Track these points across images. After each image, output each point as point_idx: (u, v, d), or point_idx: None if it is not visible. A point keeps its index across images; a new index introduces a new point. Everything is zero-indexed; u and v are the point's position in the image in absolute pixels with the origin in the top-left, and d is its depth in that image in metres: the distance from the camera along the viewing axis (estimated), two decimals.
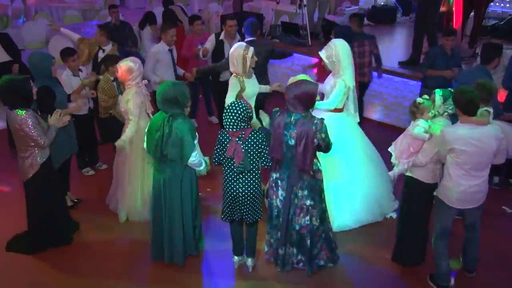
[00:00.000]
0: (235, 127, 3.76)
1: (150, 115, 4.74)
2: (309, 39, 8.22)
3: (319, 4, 8.78)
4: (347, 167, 4.84)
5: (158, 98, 3.92)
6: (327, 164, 4.39)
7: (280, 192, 3.94)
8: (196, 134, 4.03)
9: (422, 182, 4.07)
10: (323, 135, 3.71)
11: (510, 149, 3.87)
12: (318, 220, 4.00)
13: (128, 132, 4.65)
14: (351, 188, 4.83)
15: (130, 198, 4.91)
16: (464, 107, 3.66)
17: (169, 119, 3.88)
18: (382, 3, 11.27)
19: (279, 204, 3.98)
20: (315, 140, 3.70)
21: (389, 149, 4.27)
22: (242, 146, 3.77)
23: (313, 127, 3.67)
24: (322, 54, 4.75)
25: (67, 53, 5.36)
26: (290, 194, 3.88)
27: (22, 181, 4.34)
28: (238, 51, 4.66)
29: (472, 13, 8.04)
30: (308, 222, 3.96)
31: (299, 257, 4.14)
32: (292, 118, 3.73)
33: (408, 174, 4.15)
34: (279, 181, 3.93)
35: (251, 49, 4.68)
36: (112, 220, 5.04)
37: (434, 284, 4.15)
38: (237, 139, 3.77)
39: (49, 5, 12.29)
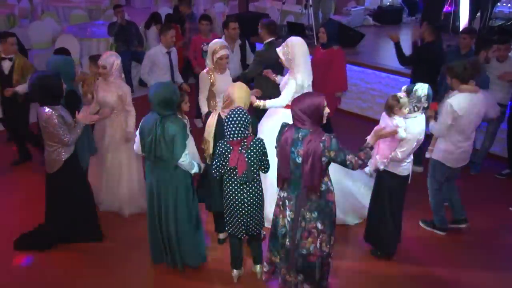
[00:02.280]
0: (237, 135, 3.63)
1: None
2: (315, 39, 8.20)
3: (321, 4, 8.79)
4: None
5: (155, 100, 3.81)
6: None
7: (287, 212, 3.62)
8: (189, 134, 3.98)
9: (399, 175, 4.18)
10: (332, 154, 3.36)
11: (490, 111, 4.65)
12: (328, 246, 3.63)
13: (130, 121, 4.94)
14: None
15: (130, 191, 5.09)
16: (460, 76, 4.32)
17: (162, 121, 3.80)
18: (388, 3, 11.22)
19: (286, 224, 3.66)
20: (324, 159, 3.39)
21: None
22: (245, 155, 3.66)
23: (321, 145, 3.35)
24: (279, 51, 4.73)
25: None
26: (298, 216, 3.57)
27: (46, 173, 4.39)
28: (212, 46, 4.85)
29: (479, 14, 8.03)
30: (318, 248, 3.60)
31: (306, 286, 3.74)
32: (300, 134, 3.43)
33: (385, 169, 4.16)
34: (287, 201, 3.61)
35: (223, 51, 4.82)
36: (115, 221, 5.04)
37: (433, 228, 4.89)
38: (240, 148, 3.66)
39: (55, 4, 12.33)
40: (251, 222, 3.87)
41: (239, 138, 3.64)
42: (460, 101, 4.30)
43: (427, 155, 4.70)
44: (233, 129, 3.62)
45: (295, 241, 3.61)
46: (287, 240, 3.67)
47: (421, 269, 4.42)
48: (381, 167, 4.15)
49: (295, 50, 4.63)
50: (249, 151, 3.66)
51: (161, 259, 4.28)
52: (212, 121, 4.08)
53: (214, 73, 4.92)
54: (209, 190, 4.33)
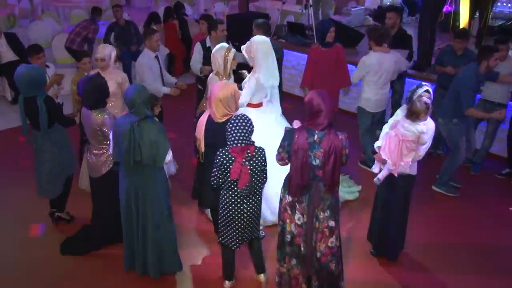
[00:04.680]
0: (240, 142, 3.54)
1: None
2: (315, 39, 8.19)
3: (322, 4, 8.78)
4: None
5: (139, 99, 3.71)
6: None
7: (297, 216, 3.58)
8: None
9: (412, 175, 4.17)
10: (347, 151, 3.49)
11: (401, 66, 5.84)
12: (339, 239, 3.68)
13: None
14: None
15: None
16: (377, 40, 5.50)
17: (139, 124, 3.71)
18: (388, 3, 11.21)
19: (293, 229, 3.61)
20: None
21: (382, 157, 4.14)
22: (248, 167, 3.56)
23: (340, 143, 3.43)
24: (243, 48, 4.74)
25: (34, 50, 5.38)
26: (312, 218, 3.54)
27: (92, 177, 4.43)
28: (220, 52, 4.73)
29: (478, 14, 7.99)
30: (332, 245, 3.62)
31: None
32: (316, 137, 3.43)
33: (402, 172, 4.09)
34: (297, 204, 3.56)
35: (233, 50, 4.75)
36: None
37: (365, 166, 5.97)
38: (243, 160, 3.54)
39: (55, 4, 12.34)
40: (247, 231, 3.79)
41: (243, 145, 3.55)
42: (372, 58, 5.52)
43: (356, 105, 5.97)
44: (236, 135, 3.54)
45: (312, 244, 3.58)
46: (302, 246, 3.62)
47: (422, 272, 4.43)
48: (408, 171, 4.07)
49: (256, 49, 4.61)
50: (251, 162, 3.57)
51: (133, 266, 4.19)
52: (203, 120, 4.08)
53: (223, 77, 4.76)
54: (202, 187, 4.30)
